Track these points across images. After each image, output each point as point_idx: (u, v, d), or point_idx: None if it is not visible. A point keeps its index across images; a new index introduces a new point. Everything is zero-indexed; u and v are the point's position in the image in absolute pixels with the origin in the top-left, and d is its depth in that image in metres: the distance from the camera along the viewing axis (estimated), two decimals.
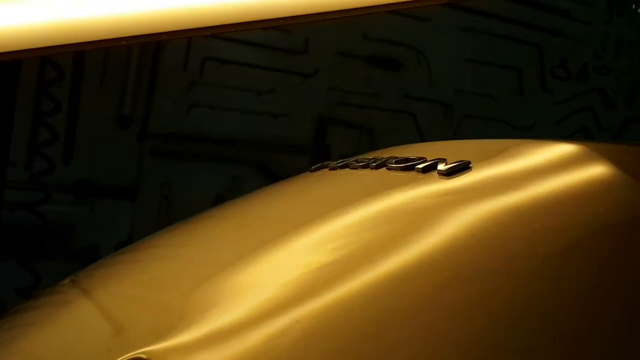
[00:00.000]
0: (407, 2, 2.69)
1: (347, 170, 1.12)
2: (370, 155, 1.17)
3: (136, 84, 2.61)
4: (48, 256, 2.51)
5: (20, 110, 2.35)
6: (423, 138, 3.18)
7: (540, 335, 0.63)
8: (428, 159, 0.92)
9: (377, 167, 1.02)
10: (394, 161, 0.99)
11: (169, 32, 1.36)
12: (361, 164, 1.08)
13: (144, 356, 0.64)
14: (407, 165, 0.94)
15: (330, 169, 1.20)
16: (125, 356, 0.65)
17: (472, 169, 0.85)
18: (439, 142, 1.22)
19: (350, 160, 1.16)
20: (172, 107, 2.70)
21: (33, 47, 1.47)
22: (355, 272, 0.69)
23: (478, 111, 3.31)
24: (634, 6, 3.66)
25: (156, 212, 2.71)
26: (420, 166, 0.91)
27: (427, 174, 0.89)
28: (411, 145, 1.27)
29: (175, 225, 1.33)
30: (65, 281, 1.15)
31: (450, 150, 1.01)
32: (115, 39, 1.37)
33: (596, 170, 0.78)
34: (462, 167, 0.85)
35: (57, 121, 2.40)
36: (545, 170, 0.81)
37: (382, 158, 1.05)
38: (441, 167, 0.88)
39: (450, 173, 0.85)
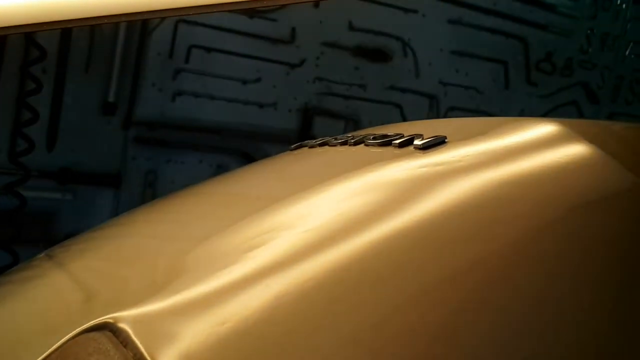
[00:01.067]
0: None
1: (325, 147, 1.13)
2: (350, 134, 1.18)
3: (121, 71, 2.59)
4: (29, 242, 2.49)
5: (4, 94, 2.34)
6: None
7: (515, 308, 0.63)
8: (405, 135, 0.94)
9: (355, 143, 1.03)
10: (371, 137, 1.00)
11: (154, 12, 1.34)
12: (339, 141, 1.09)
13: (111, 320, 0.65)
14: (385, 141, 0.96)
15: (309, 147, 1.21)
16: (94, 321, 0.66)
17: (447, 143, 0.86)
18: (419, 121, 1.23)
19: (329, 138, 1.17)
20: (157, 95, 2.68)
21: (16, 24, 1.45)
22: (333, 243, 0.69)
23: (463, 103, 3.33)
24: (619, 1, 3.69)
25: (140, 200, 2.69)
26: (397, 141, 0.92)
27: (404, 149, 0.90)
28: (391, 124, 1.28)
29: (154, 202, 1.34)
30: (41, 255, 1.15)
31: (428, 127, 1.01)
32: (100, 17, 1.35)
33: (573, 147, 0.78)
34: (437, 142, 0.87)
35: (41, 107, 2.38)
36: (521, 146, 0.81)
37: (361, 135, 1.06)
38: (417, 142, 0.89)
39: (425, 147, 0.86)
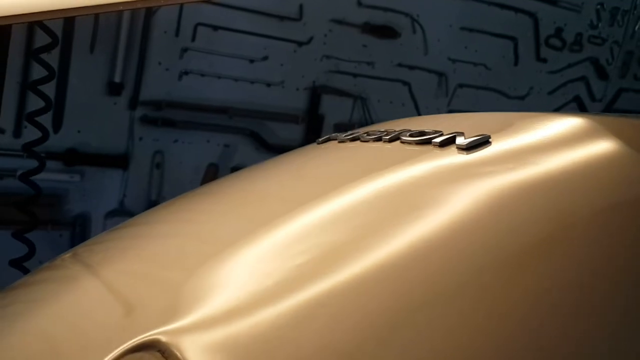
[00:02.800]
0: None
1: (357, 143, 1.07)
2: (382, 127, 1.12)
3: (127, 51, 2.55)
4: (39, 225, 2.47)
5: (10, 77, 2.30)
6: (417, 107, 3.15)
7: (552, 305, 0.62)
8: (445, 132, 0.89)
9: (391, 140, 0.97)
10: (408, 134, 0.94)
11: None
12: (372, 136, 1.03)
13: (159, 338, 0.62)
14: (424, 139, 0.90)
15: (339, 142, 1.15)
16: (138, 338, 0.63)
17: (492, 144, 0.82)
18: (450, 115, 1.19)
19: (360, 132, 1.11)
20: (164, 74, 2.64)
21: (22, 12, 1.41)
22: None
23: (472, 80, 3.29)
24: None
25: (148, 180, 2.67)
26: (437, 140, 0.86)
27: (445, 149, 0.84)
28: (421, 117, 1.24)
29: (177, 199, 1.29)
30: (67, 255, 1.10)
31: (464, 123, 0.97)
32: (109, 4, 1.32)
33: (610, 146, 0.77)
34: (482, 142, 0.82)
35: (47, 88, 2.34)
36: (562, 146, 0.79)
37: (395, 131, 1.00)
38: (460, 141, 0.83)
39: (469, 148, 0.81)
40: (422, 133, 0.93)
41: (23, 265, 1.96)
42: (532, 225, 0.69)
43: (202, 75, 2.70)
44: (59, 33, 2.37)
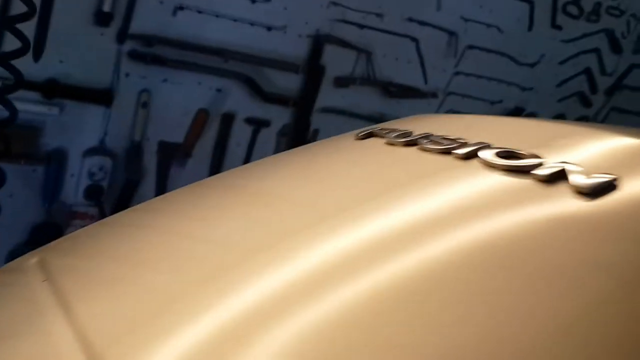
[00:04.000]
0: None
1: (414, 150, 0.83)
2: (436, 130, 0.86)
3: None
4: (11, 157, 2.31)
5: None
6: (423, 65, 2.98)
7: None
8: (546, 158, 0.65)
9: (466, 157, 0.73)
10: (493, 153, 0.70)
11: None
12: (437, 146, 0.80)
13: None
14: (518, 167, 0.66)
15: (387, 143, 0.91)
16: None
17: (621, 188, 0.59)
18: (522, 120, 0.94)
19: (415, 134, 0.87)
20: (157, 7, 2.44)
21: None
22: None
23: (483, 42, 3.11)
24: None
25: (132, 120, 2.50)
26: (541, 173, 0.63)
27: (555, 186, 0.61)
28: (487, 117, 1.00)
29: (176, 195, 1.07)
30: (33, 260, 0.90)
31: (562, 142, 0.72)
32: None
33: None
34: (608, 185, 0.59)
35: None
36: None
37: (466, 142, 0.76)
38: (578, 178, 0.59)
39: (595, 193, 0.58)
40: (512, 154, 0.69)
41: None
42: None
43: (199, 12, 2.50)
44: None
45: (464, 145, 0.77)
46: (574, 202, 0.59)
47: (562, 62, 3.35)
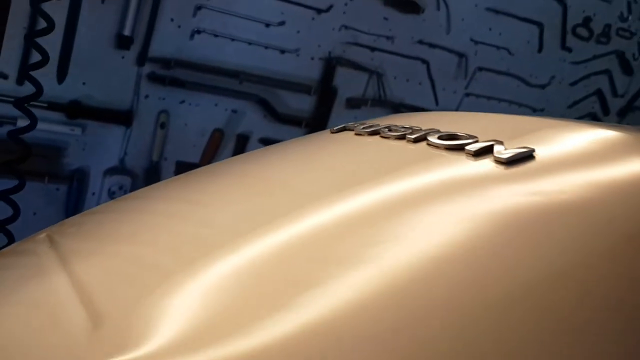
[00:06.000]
0: None
1: (376, 138, 0.97)
2: (405, 122, 1.01)
3: (139, 4, 2.45)
4: (34, 174, 2.41)
5: (13, 23, 2.21)
6: (434, 87, 3.05)
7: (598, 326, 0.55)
8: (480, 139, 0.77)
9: (416, 140, 0.86)
10: (437, 136, 0.84)
11: None
12: (395, 133, 0.93)
13: None
14: (455, 145, 0.79)
15: (355, 134, 1.04)
16: None
17: (537, 159, 0.70)
18: (483, 114, 1.08)
19: (380, 126, 1.01)
20: (176, 31, 2.55)
21: None
22: (386, 269, 0.59)
23: (493, 64, 3.18)
24: None
25: (150, 140, 2.60)
26: (471, 148, 0.75)
27: (481, 159, 0.73)
28: (449, 113, 1.13)
29: (174, 181, 1.19)
30: (40, 236, 1.00)
31: (500, 126, 0.86)
32: None
33: None
34: (525, 156, 0.70)
35: (53, 37, 2.25)
36: (616, 165, 0.70)
37: (421, 129, 0.90)
38: (499, 152, 0.72)
39: (510, 162, 0.70)
40: (453, 136, 0.82)
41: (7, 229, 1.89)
42: (568, 250, 0.61)
43: (215, 35, 2.61)
44: None
45: (418, 131, 0.90)
46: (492, 169, 0.71)
47: (573, 84, 3.39)
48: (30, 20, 2.26)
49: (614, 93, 3.53)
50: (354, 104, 2.91)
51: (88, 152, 2.51)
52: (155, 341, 0.56)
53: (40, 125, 2.19)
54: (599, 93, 3.48)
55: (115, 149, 2.56)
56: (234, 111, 2.71)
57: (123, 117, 2.54)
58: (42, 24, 2.04)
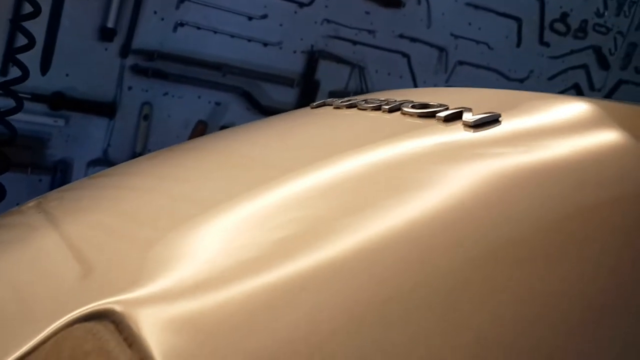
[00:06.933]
0: None
1: (354, 110, 1.00)
2: (381, 96, 1.05)
3: None
4: (17, 166, 2.41)
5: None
6: (415, 81, 3.10)
7: (557, 297, 0.58)
8: (450, 107, 0.81)
9: (391, 110, 0.90)
10: (410, 105, 0.87)
11: None
12: (371, 105, 0.97)
13: (113, 307, 0.55)
14: (427, 112, 0.83)
15: (334, 108, 1.08)
16: (91, 305, 0.56)
17: (501, 123, 0.75)
18: (456, 89, 1.11)
19: (358, 99, 1.05)
20: (159, 24, 2.56)
21: None
22: (362, 229, 0.61)
23: (473, 58, 3.23)
24: None
25: (134, 131, 2.61)
26: (442, 114, 0.79)
27: (450, 124, 0.77)
28: (425, 89, 1.17)
29: (157, 154, 1.22)
30: (32, 202, 1.03)
31: (471, 98, 0.89)
32: None
33: (623, 134, 0.72)
34: (491, 120, 0.75)
35: (37, 27, 2.26)
36: (575, 131, 0.74)
37: (396, 100, 0.94)
38: (467, 117, 0.76)
39: (477, 125, 0.74)
40: (425, 105, 0.86)
41: None
42: (535, 214, 0.64)
43: (198, 28, 2.63)
44: None
45: (392, 103, 0.94)
46: (461, 132, 0.76)
47: (551, 78, 3.46)
48: (15, 5, 2.27)
49: (591, 87, 3.59)
50: (336, 96, 2.94)
51: (71, 144, 2.52)
52: (144, 285, 0.58)
53: (23, 117, 2.20)
54: (576, 87, 3.55)
55: (99, 140, 2.58)
56: (217, 103, 2.74)
57: (106, 109, 2.55)
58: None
